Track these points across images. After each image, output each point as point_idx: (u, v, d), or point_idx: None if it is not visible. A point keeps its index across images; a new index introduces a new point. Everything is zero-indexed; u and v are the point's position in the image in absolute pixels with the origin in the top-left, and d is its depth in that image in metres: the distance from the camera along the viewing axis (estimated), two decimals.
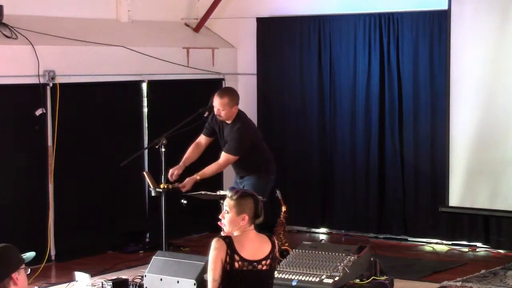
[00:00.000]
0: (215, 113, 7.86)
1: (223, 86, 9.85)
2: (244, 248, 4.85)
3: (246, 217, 4.90)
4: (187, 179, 7.70)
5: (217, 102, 7.80)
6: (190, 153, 8.03)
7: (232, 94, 7.91)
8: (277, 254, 5.10)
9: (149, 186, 7.99)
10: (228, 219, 4.94)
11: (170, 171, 7.79)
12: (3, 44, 8.14)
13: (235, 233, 4.92)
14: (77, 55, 8.71)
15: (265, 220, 5.08)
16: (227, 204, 4.94)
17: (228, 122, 7.87)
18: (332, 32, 9.70)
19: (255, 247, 4.90)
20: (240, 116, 7.91)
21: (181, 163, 7.91)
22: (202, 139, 8.12)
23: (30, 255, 4.00)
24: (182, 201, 7.65)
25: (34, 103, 8.33)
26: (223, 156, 7.80)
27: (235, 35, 10.34)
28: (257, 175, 7.89)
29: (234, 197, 4.94)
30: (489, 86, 8.52)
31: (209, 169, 7.82)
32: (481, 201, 8.61)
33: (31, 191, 8.40)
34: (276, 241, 5.05)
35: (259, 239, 4.95)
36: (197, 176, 7.71)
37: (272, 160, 8.08)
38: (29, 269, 3.90)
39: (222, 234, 4.96)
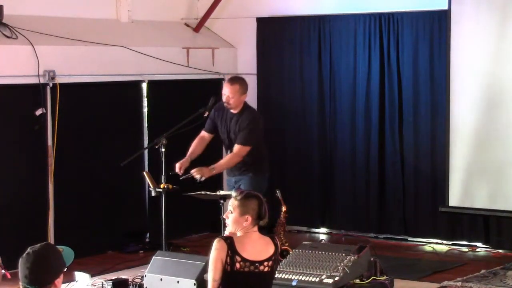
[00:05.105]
0: (224, 100, 7.83)
1: (224, 86, 9.84)
2: (246, 249, 4.85)
3: (249, 218, 4.90)
4: (203, 168, 7.64)
5: (228, 89, 7.80)
6: (195, 148, 7.98)
7: (242, 82, 7.94)
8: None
9: (149, 186, 7.99)
10: (231, 219, 4.94)
11: (178, 165, 7.73)
12: (3, 44, 8.14)
13: (238, 234, 4.92)
14: (77, 55, 8.70)
15: None
16: (231, 204, 4.95)
17: (234, 112, 7.85)
18: (332, 32, 9.70)
19: (257, 248, 4.90)
20: (249, 107, 7.95)
21: (187, 156, 7.86)
22: (204, 134, 8.11)
23: (69, 256, 3.99)
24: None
25: (34, 103, 8.33)
26: (237, 147, 7.75)
27: (235, 35, 10.34)
28: (254, 173, 7.88)
29: (239, 198, 4.94)
30: (489, 86, 8.53)
31: (224, 161, 7.79)
32: (481, 201, 8.62)
33: (31, 191, 8.40)
34: (278, 243, 5.05)
35: (262, 241, 4.95)
36: (211, 168, 7.67)
37: (267, 158, 8.08)
38: (66, 268, 3.91)
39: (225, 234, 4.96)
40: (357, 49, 9.54)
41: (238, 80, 7.94)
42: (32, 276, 3.75)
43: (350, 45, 9.58)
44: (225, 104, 7.83)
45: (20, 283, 3.81)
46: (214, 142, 8.17)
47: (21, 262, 3.80)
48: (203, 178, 7.61)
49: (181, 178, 7.66)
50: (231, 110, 7.86)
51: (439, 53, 9.04)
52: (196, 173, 7.60)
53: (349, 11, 9.55)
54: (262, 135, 8.03)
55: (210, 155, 7.99)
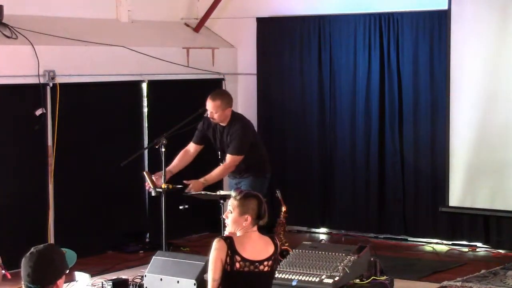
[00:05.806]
0: (208, 116, 7.82)
1: (223, 86, 9.86)
2: (246, 248, 4.85)
3: (249, 218, 4.90)
4: (192, 182, 7.64)
5: (210, 105, 7.77)
6: (178, 161, 7.95)
7: (224, 96, 7.87)
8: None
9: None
10: (231, 219, 4.95)
11: (157, 174, 7.72)
12: (3, 44, 8.14)
13: (238, 233, 4.93)
14: (77, 55, 8.71)
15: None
16: (231, 204, 4.95)
17: (223, 124, 7.85)
18: (332, 32, 9.70)
19: (257, 248, 4.90)
20: (237, 117, 7.90)
21: (166, 170, 7.73)
22: (191, 147, 8.05)
23: (72, 258, 4.00)
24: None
25: (34, 103, 8.33)
26: (229, 157, 7.75)
27: (235, 35, 10.34)
28: (254, 175, 7.89)
29: (238, 197, 4.95)
30: (489, 86, 8.53)
31: (216, 173, 7.77)
32: (481, 201, 8.62)
33: (31, 191, 8.40)
34: (278, 243, 5.06)
35: (262, 240, 4.96)
36: (203, 180, 7.65)
37: (267, 159, 8.08)
38: (68, 269, 3.93)
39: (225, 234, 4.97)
40: (357, 49, 9.54)
41: (219, 95, 7.86)
42: (35, 275, 3.76)
43: (350, 45, 9.58)
44: (211, 119, 7.83)
45: (22, 283, 3.82)
46: (210, 150, 8.15)
47: (24, 261, 3.81)
48: (193, 191, 7.63)
49: (170, 189, 7.66)
50: (220, 123, 7.87)
51: (439, 53, 9.04)
52: (188, 188, 7.62)
53: (349, 11, 9.55)
54: (257, 139, 8.03)
55: (208, 161, 7.97)
